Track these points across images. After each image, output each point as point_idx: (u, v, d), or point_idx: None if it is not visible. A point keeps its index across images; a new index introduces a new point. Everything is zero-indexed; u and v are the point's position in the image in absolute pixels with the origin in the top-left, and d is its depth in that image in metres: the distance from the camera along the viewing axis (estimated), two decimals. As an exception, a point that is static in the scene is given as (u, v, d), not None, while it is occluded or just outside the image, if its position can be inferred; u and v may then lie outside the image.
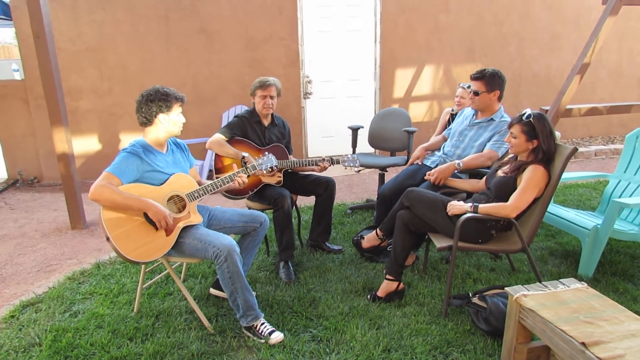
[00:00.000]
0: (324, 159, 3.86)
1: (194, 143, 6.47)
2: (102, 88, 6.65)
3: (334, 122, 7.57)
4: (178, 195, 2.93)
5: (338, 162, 3.88)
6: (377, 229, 3.70)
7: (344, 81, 7.50)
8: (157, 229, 2.78)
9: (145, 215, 2.78)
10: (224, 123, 6.82)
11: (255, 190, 3.77)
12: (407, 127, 4.93)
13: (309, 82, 7.29)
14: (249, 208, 3.99)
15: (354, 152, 5.14)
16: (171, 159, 3.01)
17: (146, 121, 2.87)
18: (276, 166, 3.55)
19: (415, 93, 7.63)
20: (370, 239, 3.77)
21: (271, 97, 3.80)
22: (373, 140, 5.21)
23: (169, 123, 2.90)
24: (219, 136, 3.75)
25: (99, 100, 6.67)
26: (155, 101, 2.83)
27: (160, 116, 2.87)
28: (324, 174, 4.00)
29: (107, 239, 2.69)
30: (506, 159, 3.45)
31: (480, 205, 3.08)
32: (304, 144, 7.53)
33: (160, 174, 2.88)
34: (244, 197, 3.85)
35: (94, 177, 6.67)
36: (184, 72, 6.83)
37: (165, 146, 3.01)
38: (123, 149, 2.85)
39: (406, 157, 4.79)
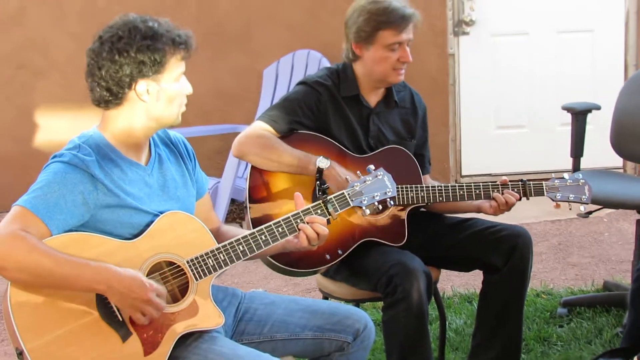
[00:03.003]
0: (505, 183, 3.87)
1: (201, 136, 6.65)
2: (4, 9, 7.01)
3: (526, 91, 7.56)
4: (172, 263, 3.00)
5: (540, 193, 3.87)
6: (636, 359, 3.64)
7: (551, -4, 7.53)
8: (125, 336, 2.85)
9: (101, 303, 2.85)
10: (270, 94, 7.00)
11: (344, 254, 3.82)
12: None
13: (467, -1, 7.35)
14: (327, 297, 4.03)
15: (576, 167, 5.08)
16: (157, 178, 3.10)
17: (110, 97, 2.94)
18: (393, 202, 3.57)
19: None
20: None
21: (407, 44, 3.88)
22: (623, 139, 5.11)
23: (158, 100, 2.97)
24: (261, 127, 3.85)
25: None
26: (130, 51, 2.89)
27: (141, 86, 2.93)
28: (502, 218, 3.98)
29: (20, 354, 2.76)
30: None
31: None
32: (454, 143, 7.53)
33: (135, 212, 2.96)
34: (317, 272, 3.90)
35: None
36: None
37: (145, 150, 3.10)
38: (55, 156, 2.93)
39: None
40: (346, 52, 3.98)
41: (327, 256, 3.76)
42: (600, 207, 4.70)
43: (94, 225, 2.90)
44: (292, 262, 3.72)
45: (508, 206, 3.82)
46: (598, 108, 5.19)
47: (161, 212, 3.01)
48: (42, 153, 6.77)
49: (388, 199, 3.31)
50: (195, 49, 3.03)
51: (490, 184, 3.84)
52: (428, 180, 4.13)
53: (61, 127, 6.83)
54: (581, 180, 3.83)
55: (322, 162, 3.60)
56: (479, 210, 3.92)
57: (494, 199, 3.82)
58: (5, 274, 2.74)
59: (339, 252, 3.78)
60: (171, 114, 3.02)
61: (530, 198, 3.87)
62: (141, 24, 2.92)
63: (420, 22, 3.89)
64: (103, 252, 2.86)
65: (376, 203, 3.29)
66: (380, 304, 3.79)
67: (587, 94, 7.11)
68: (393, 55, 3.82)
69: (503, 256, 3.92)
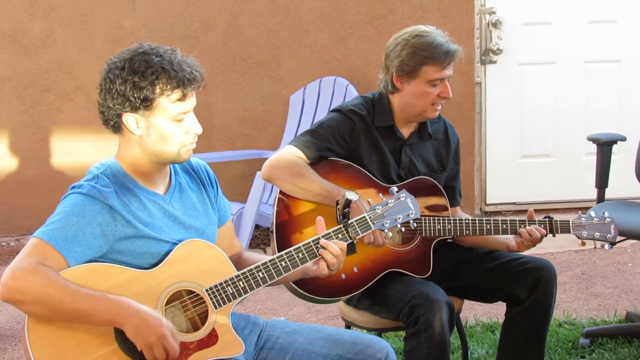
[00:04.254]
0: (532, 220, 3.85)
1: (226, 161, 6.65)
2: (31, 31, 7.04)
3: (552, 121, 7.55)
4: (191, 292, 2.99)
5: (566, 230, 3.85)
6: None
7: (579, 24, 7.50)
8: None
9: (119, 333, 2.83)
10: (296, 120, 7.01)
11: (370, 282, 3.80)
12: None
13: (494, 26, 7.34)
14: (349, 326, 4.02)
15: (600, 198, 5.05)
16: (176, 207, 3.10)
17: (103, 121, 3.00)
18: (418, 225, 3.53)
19: None
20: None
21: (447, 80, 3.89)
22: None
23: (149, 136, 2.94)
24: (292, 153, 3.84)
25: (21, 59, 7.05)
26: (116, 83, 2.88)
27: (129, 119, 2.92)
28: (529, 252, 3.96)
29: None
30: None
31: None
32: (480, 171, 7.51)
33: (153, 242, 2.96)
34: (339, 299, 3.88)
35: (8, 242, 7.06)
36: (210, 4, 7.09)
37: (164, 179, 3.10)
38: (73, 187, 2.95)
39: None
40: (384, 84, 3.94)
41: (343, 276, 3.74)
42: (624, 238, 4.66)
43: (112, 257, 2.91)
44: (314, 287, 3.69)
45: (534, 242, 3.82)
46: (624, 139, 5.17)
47: (180, 241, 3.01)
48: (66, 176, 6.82)
49: (411, 221, 3.30)
50: (201, 87, 2.95)
51: (517, 219, 3.85)
52: (459, 213, 4.13)
53: (86, 150, 6.87)
54: (607, 219, 3.84)
55: (351, 194, 3.55)
56: (506, 248, 3.94)
57: (519, 234, 3.82)
58: (22, 308, 2.75)
59: (354, 269, 3.76)
60: (168, 151, 2.97)
61: (557, 235, 3.88)
62: (140, 57, 2.89)
63: (463, 58, 3.92)
64: (122, 282, 2.87)
65: (399, 225, 3.27)
66: (403, 332, 3.77)
67: (613, 124, 7.14)
68: (434, 91, 3.81)
69: (527, 289, 3.90)
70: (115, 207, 2.88)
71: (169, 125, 2.92)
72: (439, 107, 3.88)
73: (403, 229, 3.32)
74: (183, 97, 2.90)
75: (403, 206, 3.27)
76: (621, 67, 7.52)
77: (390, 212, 3.25)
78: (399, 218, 3.25)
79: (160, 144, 2.94)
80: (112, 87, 2.88)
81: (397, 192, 3.29)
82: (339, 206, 3.52)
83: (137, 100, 2.86)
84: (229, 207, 3.38)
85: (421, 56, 3.78)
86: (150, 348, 2.77)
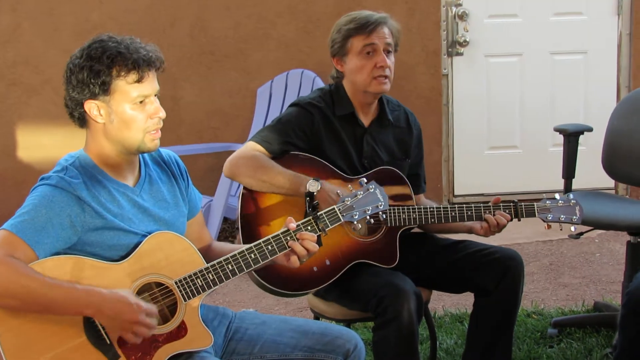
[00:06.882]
0: (497, 202, 3.88)
1: (194, 154, 6.64)
2: (-2, 25, 7.04)
3: (519, 112, 7.59)
4: (160, 284, 2.99)
5: (531, 214, 3.88)
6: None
7: (544, 16, 7.54)
8: (113, 359, 2.83)
9: (88, 326, 2.84)
10: (264, 113, 7.02)
11: (337, 274, 3.81)
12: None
13: (461, 18, 7.36)
14: (318, 317, 4.03)
15: (567, 188, 5.09)
16: (146, 199, 3.10)
17: (69, 114, 3.02)
18: (385, 216, 3.54)
19: None
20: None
21: (387, 51, 3.89)
22: (615, 161, 5.10)
23: (112, 123, 2.95)
24: (253, 148, 3.85)
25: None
26: (75, 71, 2.92)
27: (91, 107, 2.94)
28: (494, 239, 3.99)
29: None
30: None
31: None
32: (447, 163, 7.54)
33: (122, 233, 2.96)
34: (307, 292, 3.90)
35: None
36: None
37: (133, 171, 3.10)
38: (42, 179, 2.94)
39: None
40: (331, 73, 4.02)
41: (315, 268, 3.75)
42: (591, 228, 4.70)
43: (81, 248, 2.90)
44: (281, 282, 3.70)
45: (499, 227, 3.84)
46: (590, 130, 5.20)
47: (149, 233, 3.01)
48: (34, 170, 6.76)
49: (380, 213, 3.30)
50: (160, 70, 2.98)
51: (482, 205, 3.86)
52: (423, 200, 4.15)
53: (54, 144, 6.84)
54: (572, 201, 3.86)
55: (312, 186, 3.57)
56: (470, 231, 3.94)
57: (485, 220, 3.84)
58: None
59: (327, 262, 3.77)
60: (132, 137, 2.96)
61: (522, 219, 3.89)
62: (96, 44, 2.93)
63: (393, 26, 3.94)
64: (91, 274, 2.86)
65: (368, 217, 3.27)
66: (372, 323, 3.78)
67: (580, 115, 7.18)
68: (369, 63, 3.84)
69: (495, 279, 3.92)
70: (84, 198, 2.87)
71: (130, 109, 2.93)
72: (384, 80, 3.87)
73: (372, 221, 3.32)
74: (140, 79, 2.91)
75: (372, 198, 3.26)
76: (587, 59, 7.56)
77: (359, 204, 3.24)
78: (368, 210, 3.24)
79: (124, 130, 2.94)
80: (72, 76, 2.91)
81: (366, 183, 3.28)
82: (308, 198, 3.52)
83: (95, 85, 2.87)
84: (200, 198, 3.38)
85: (346, 30, 3.89)
86: (130, 332, 2.81)
